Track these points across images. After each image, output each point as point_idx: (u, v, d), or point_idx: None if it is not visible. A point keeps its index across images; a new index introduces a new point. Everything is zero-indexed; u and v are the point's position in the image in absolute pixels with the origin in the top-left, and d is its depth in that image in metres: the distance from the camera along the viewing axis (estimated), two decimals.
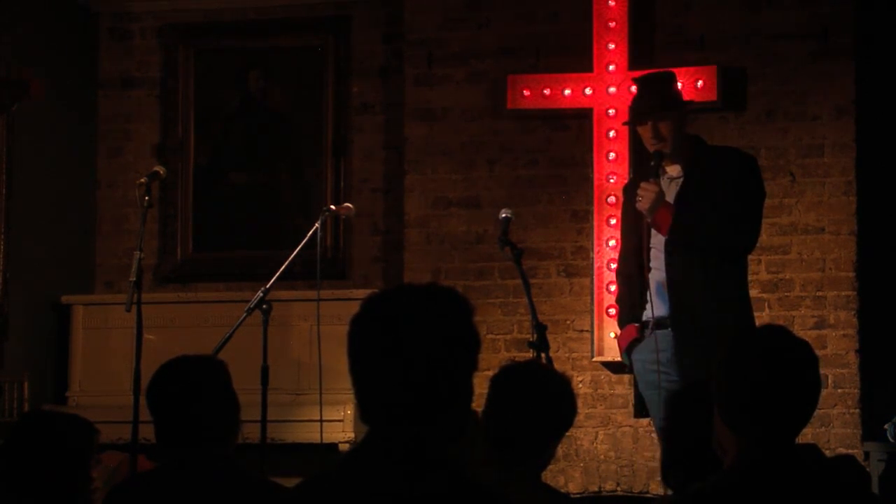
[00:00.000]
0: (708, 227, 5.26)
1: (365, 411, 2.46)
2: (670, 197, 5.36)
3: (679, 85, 5.63)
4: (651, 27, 7.35)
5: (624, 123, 5.90)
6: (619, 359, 6.68)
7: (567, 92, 7.29)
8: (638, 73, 6.94)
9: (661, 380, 5.27)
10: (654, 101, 5.37)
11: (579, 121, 7.32)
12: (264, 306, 5.66)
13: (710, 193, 5.30)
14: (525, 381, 3.75)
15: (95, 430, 3.82)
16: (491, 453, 3.69)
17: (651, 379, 5.33)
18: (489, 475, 3.52)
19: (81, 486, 3.75)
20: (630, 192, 5.64)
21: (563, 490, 6.93)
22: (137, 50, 8.15)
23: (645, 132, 5.41)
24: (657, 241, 5.36)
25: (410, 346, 2.40)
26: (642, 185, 5.33)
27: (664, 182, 5.41)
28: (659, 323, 5.33)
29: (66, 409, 7.03)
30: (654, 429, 5.69)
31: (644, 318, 5.40)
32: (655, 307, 5.35)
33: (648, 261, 5.37)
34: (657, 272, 5.36)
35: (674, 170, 5.41)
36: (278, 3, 8.00)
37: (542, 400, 3.69)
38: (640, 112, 5.42)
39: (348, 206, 6.48)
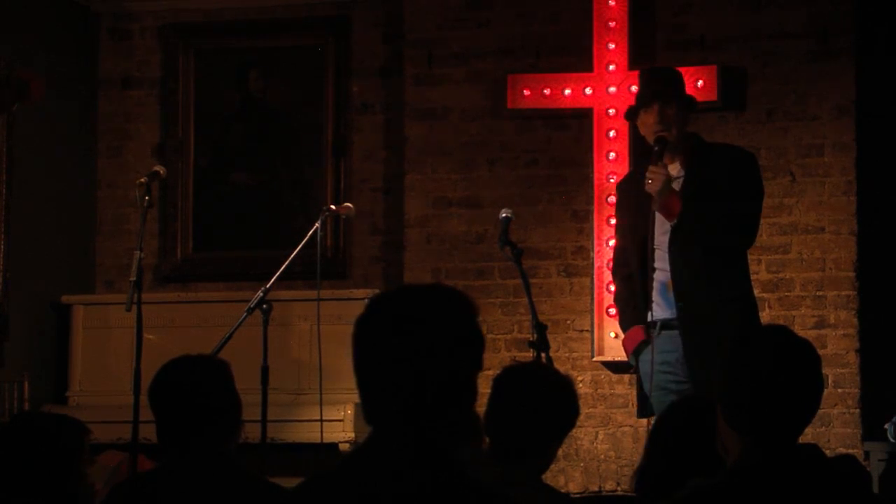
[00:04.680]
0: (713, 219, 5.25)
1: (369, 411, 2.46)
2: None
3: (682, 80, 5.61)
4: (651, 27, 7.35)
5: (625, 117, 5.87)
6: (619, 358, 6.69)
7: (567, 92, 7.29)
8: (638, 73, 6.96)
9: (667, 381, 5.26)
10: (660, 86, 5.36)
11: (579, 121, 7.32)
12: (264, 306, 5.66)
13: (711, 191, 5.29)
14: (527, 382, 3.75)
15: (87, 430, 3.82)
16: (492, 453, 3.69)
17: (658, 380, 5.31)
18: (491, 475, 3.52)
19: (74, 486, 3.74)
20: (625, 189, 5.63)
21: (563, 490, 6.94)
22: (137, 50, 8.15)
23: (649, 118, 5.33)
24: (660, 241, 5.34)
25: (415, 346, 2.40)
26: (650, 168, 5.26)
27: None
28: (665, 324, 5.32)
29: (66, 410, 7.02)
30: None
31: (649, 318, 5.38)
32: (660, 308, 5.34)
33: (652, 261, 5.36)
34: (661, 273, 5.35)
35: (674, 168, 5.39)
36: (278, 3, 8.00)
37: (545, 400, 3.69)
38: (646, 97, 5.37)
39: (348, 206, 6.49)
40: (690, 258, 5.26)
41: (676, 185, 5.36)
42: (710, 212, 5.25)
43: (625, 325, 5.53)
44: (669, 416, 3.57)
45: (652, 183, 5.24)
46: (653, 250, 5.34)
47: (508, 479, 3.52)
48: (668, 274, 5.32)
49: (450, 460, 2.42)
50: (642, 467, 3.51)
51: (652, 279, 5.34)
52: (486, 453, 3.72)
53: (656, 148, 5.34)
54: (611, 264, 6.93)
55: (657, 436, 3.54)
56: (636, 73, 6.94)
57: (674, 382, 5.25)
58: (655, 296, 5.34)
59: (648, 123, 5.37)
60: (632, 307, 5.46)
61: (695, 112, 5.65)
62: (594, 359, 7.18)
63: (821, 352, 2.99)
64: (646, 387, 5.42)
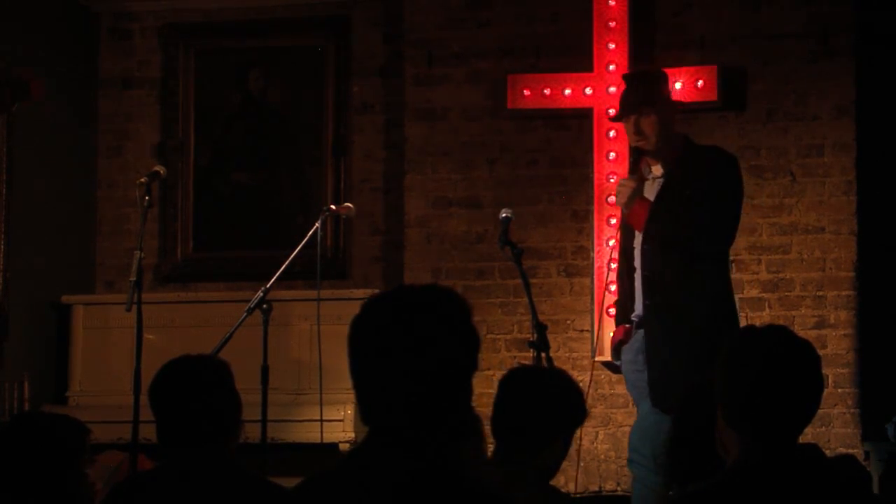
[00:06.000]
0: (681, 226, 5.21)
1: (365, 412, 2.46)
2: (651, 196, 5.33)
3: (670, 85, 5.58)
4: (651, 27, 7.35)
5: (611, 119, 5.89)
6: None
7: (567, 92, 7.29)
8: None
9: (639, 379, 5.28)
10: (636, 97, 5.34)
11: (579, 121, 7.32)
12: (264, 306, 5.66)
13: (686, 193, 5.25)
14: (534, 384, 3.76)
15: (87, 430, 3.82)
16: (497, 454, 3.69)
17: (631, 379, 5.35)
18: (491, 475, 3.52)
19: (74, 486, 3.74)
20: None
21: (563, 489, 6.93)
22: (137, 50, 8.15)
23: (627, 127, 5.39)
24: (640, 240, 5.34)
25: (411, 346, 2.40)
26: (620, 181, 5.39)
27: (649, 181, 5.38)
28: (640, 323, 5.32)
29: (66, 410, 7.03)
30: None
31: (632, 318, 5.41)
32: (639, 307, 5.34)
33: (632, 260, 5.37)
34: (640, 271, 5.34)
35: (658, 170, 5.38)
36: (278, 3, 8.00)
37: (551, 403, 3.70)
38: (622, 107, 5.40)
39: (348, 206, 6.48)
40: (662, 257, 5.24)
41: (659, 185, 5.34)
42: (680, 218, 5.21)
43: (617, 326, 5.59)
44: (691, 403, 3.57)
45: (619, 196, 5.34)
46: (632, 249, 5.36)
47: (513, 480, 3.52)
48: (640, 267, 5.32)
49: (447, 460, 2.42)
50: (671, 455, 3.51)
51: (634, 279, 5.35)
52: (493, 454, 3.72)
53: (632, 159, 5.37)
54: (611, 264, 6.97)
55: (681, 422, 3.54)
56: None
57: (642, 381, 5.25)
58: (637, 295, 5.35)
59: (628, 132, 5.39)
60: (622, 307, 5.50)
61: (689, 111, 5.61)
62: (594, 359, 7.17)
63: (821, 352, 2.99)
64: (627, 385, 5.47)
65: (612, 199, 7.07)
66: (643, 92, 5.35)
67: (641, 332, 5.32)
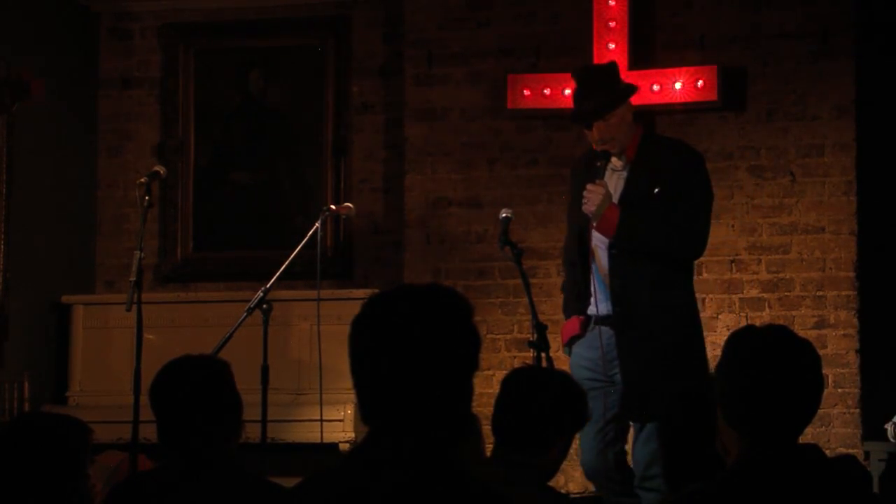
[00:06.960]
0: (654, 234, 5.14)
1: (366, 412, 2.46)
2: (614, 188, 5.23)
3: (618, 74, 5.38)
4: (651, 27, 7.35)
5: (571, 121, 5.75)
6: None
7: (567, 92, 7.27)
8: (642, 72, 6.98)
9: (584, 377, 5.19)
10: (594, 103, 5.20)
11: None
12: (264, 306, 5.67)
13: (655, 192, 5.16)
14: (537, 384, 3.77)
15: (89, 430, 3.81)
16: (497, 452, 3.70)
17: (581, 375, 5.22)
18: (490, 474, 3.53)
19: (77, 486, 3.74)
20: (574, 173, 5.52)
21: (563, 490, 6.93)
22: (137, 50, 8.15)
23: (590, 134, 5.27)
24: (599, 238, 5.24)
25: (411, 346, 2.40)
26: (588, 186, 5.17)
27: (608, 174, 5.26)
28: (600, 320, 5.27)
29: (66, 410, 7.03)
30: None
31: (588, 312, 5.32)
32: (598, 303, 5.29)
33: (591, 253, 5.30)
34: (600, 267, 5.28)
35: (617, 161, 5.28)
36: (278, 3, 8.00)
37: (553, 403, 3.70)
38: (582, 115, 5.26)
39: (348, 206, 6.49)
40: (631, 260, 5.17)
41: (619, 178, 5.26)
42: (653, 225, 5.14)
43: (566, 314, 5.50)
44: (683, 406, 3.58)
45: (588, 203, 5.16)
46: (588, 241, 5.27)
47: (513, 480, 3.52)
48: (608, 271, 5.24)
49: (448, 459, 2.42)
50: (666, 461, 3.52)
51: (591, 271, 5.28)
52: (492, 453, 3.73)
53: (598, 163, 5.25)
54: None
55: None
56: (636, 73, 6.95)
57: (589, 380, 5.17)
58: (595, 290, 5.29)
59: (592, 139, 5.29)
60: (574, 297, 5.41)
61: (633, 94, 5.42)
62: None
63: (821, 352, 2.99)
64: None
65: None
66: (603, 97, 5.20)
67: (601, 330, 5.22)
